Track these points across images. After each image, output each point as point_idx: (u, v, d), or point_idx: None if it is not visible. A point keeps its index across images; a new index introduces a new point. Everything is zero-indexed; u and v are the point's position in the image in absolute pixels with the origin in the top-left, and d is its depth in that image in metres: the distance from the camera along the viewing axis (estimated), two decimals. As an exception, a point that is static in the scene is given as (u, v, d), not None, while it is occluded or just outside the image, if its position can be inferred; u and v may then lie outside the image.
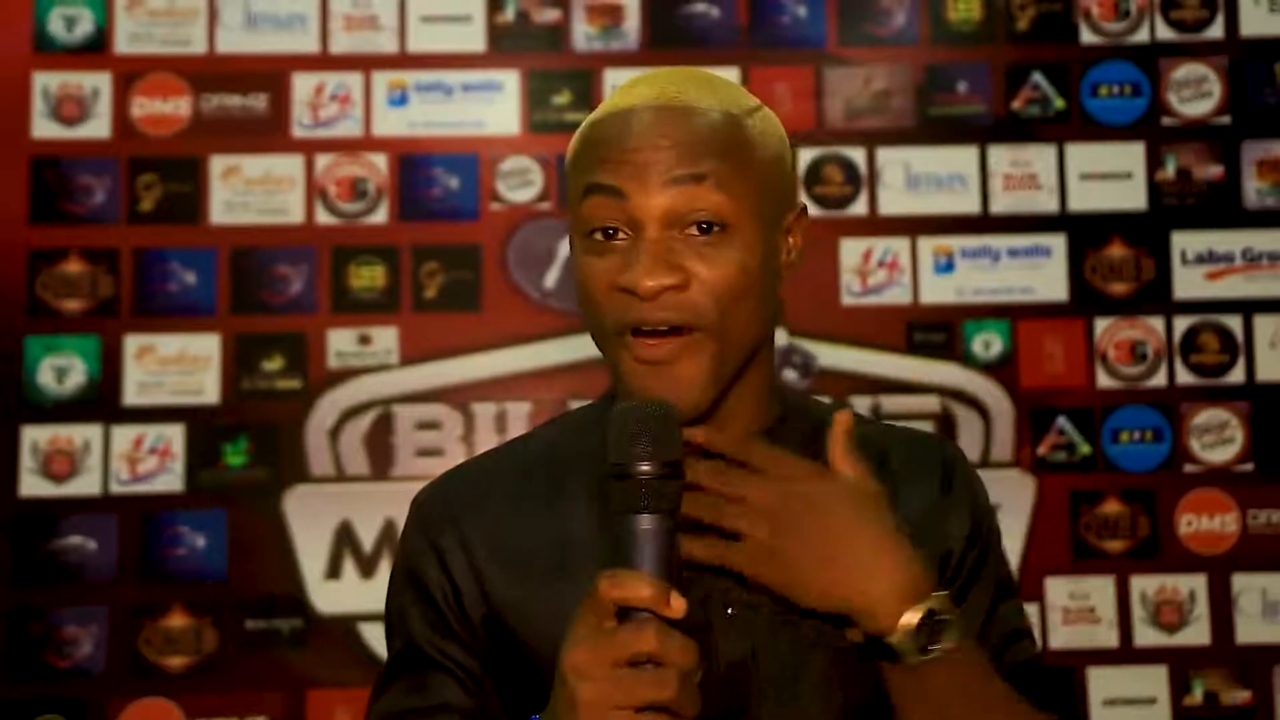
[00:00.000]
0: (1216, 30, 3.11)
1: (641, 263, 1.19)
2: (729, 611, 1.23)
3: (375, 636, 2.90)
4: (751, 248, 1.23)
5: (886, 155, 3.07)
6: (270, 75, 3.03)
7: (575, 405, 2.89)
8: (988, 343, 3.02)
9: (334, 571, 2.92)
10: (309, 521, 2.93)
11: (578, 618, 1.08)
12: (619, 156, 1.22)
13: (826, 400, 1.46)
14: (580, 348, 2.98)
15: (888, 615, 1.15)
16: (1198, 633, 2.96)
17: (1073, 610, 2.92)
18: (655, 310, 1.20)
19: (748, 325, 1.25)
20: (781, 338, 2.86)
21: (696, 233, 1.21)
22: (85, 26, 3.03)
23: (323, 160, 3.02)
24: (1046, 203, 3.06)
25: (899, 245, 3.04)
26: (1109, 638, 2.93)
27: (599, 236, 1.23)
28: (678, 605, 1.05)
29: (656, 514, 1.07)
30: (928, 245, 3.04)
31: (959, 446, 1.42)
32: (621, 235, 1.22)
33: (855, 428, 1.26)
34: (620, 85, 1.32)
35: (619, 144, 1.23)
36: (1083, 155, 3.07)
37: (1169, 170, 3.07)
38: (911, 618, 1.14)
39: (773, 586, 1.17)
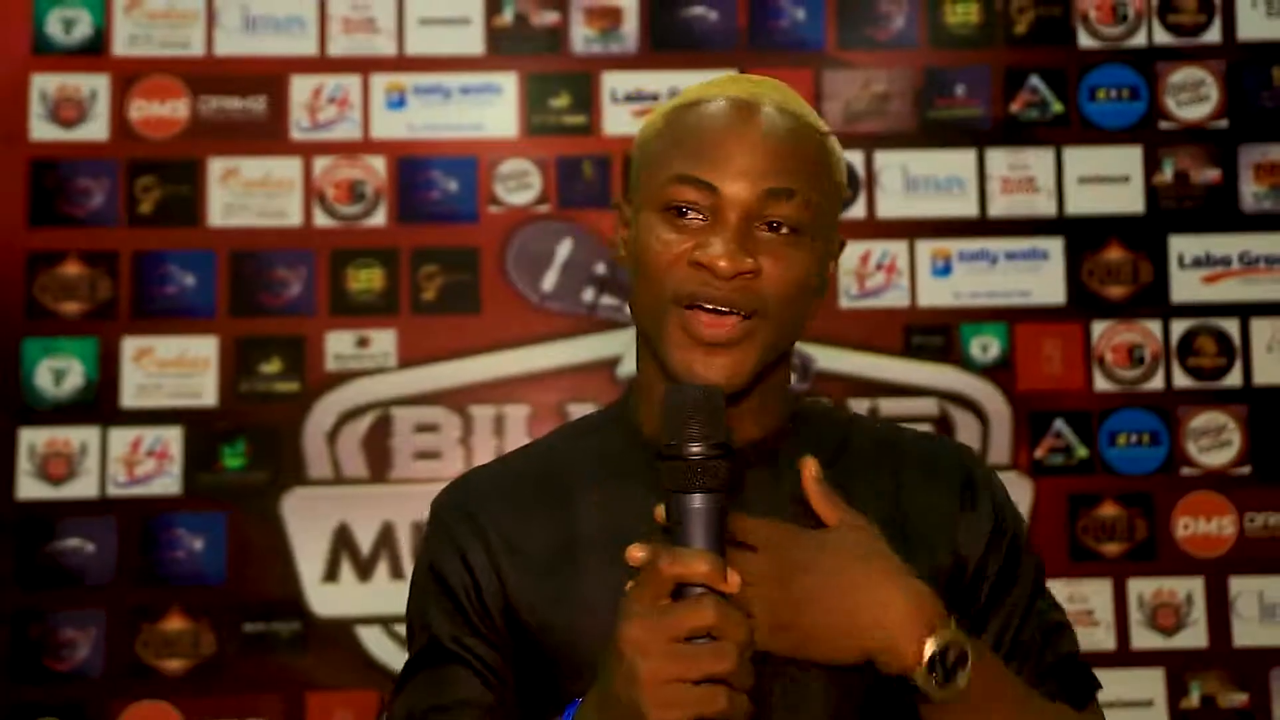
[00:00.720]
0: (1214, 34, 3.12)
1: (724, 244, 1.24)
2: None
3: (373, 639, 2.91)
4: (813, 256, 1.30)
5: (885, 158, 3.07)
6: (269, 78, 3.03)
7: (573, 408, 2.95)
8: (985, 346, 3.03)
9: (332, 574, 2.92)
10: (307, 524, 2.93)
11: (631, 595, 1.10)
12: (714, 152, 1.27)
13: (826, 401, 1.47)
14: (578, 351, 2.98)
15: (907, 651, 1.16)
16: (1195, 635, 2.96)
17: (1070, 613, 2.86)
18: (725, 290, 1.24)
19: (794, 326, 1.31)
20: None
21: (769, 230, 1.27)
22: (84, 28, 3.03)
23: (321, 163, 3.02)
24: (1044, 206, 3.07)
25: (897, 248, 3.04)
26: (1106, 640, 2.94)
27: (675, 212, 1.27)
28: (734, 580, 1.08)
29: (708, 493, 1.10)
30: (926, 248, 3.05)
31: (975, 453, 1.43)
32: (696, 215, 1.27)
33: (869, 429, 1.33)
34: (715, 79, 1.36)
35: (716, 137, 1.28)
36: (1080, 158, 3.07)
37: (1166, 174, 3.08)
38: (930, 649, 1.15)
39: (785, 654, 1.19)
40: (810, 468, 1.24)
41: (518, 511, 1.35)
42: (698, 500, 1.10)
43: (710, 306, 1.25)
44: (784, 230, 1.27)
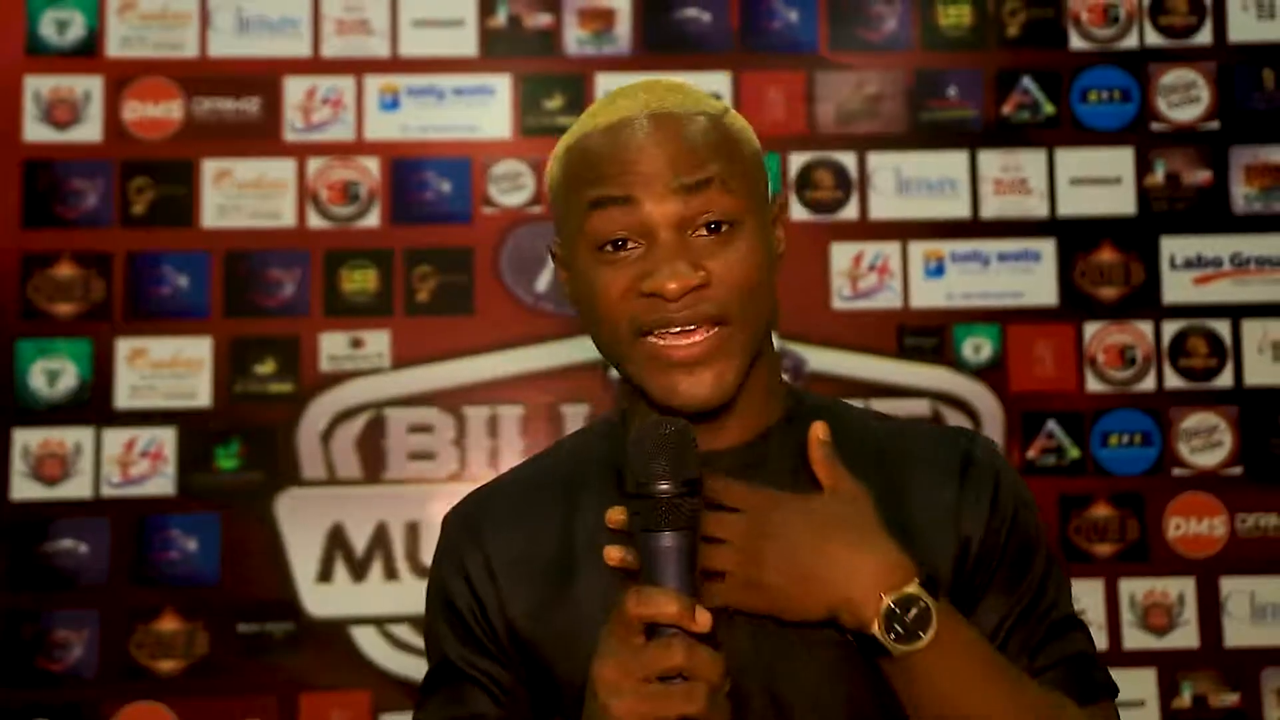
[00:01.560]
0: (1205, 36, 3.13)
1: (663, 266, 1.22)
2: (729, 614, 1.24)
3: (367, 639, 2.91)
4: (755, 240, 1.27)
5: (877, 160, 3.08)
6: (262, 79, 3.03)
7: (566, 409, 2.95)
8: (978, 346, 3.03)
9: (326, 575, 2.92)
10: (301, 524, 2.93)
11: (606, 634, 1.11)
12: (621, 168, 1.24)
13: (825, 397, 1.45)
14: (572, 351, 2.98)
15: (866, 607, 1.17)
16: (1186, 635, 2.97)
17: None
18: (682, 310, 1.23)
19: (761, 316, 1.29)
20: (773, 340, 2.87)
21: (705, 233, 1.25)
22: (77, 30, 3.03)
23: (315, 164, 3.02)
24: (1036, 207, 3.07)
25: (890, 249, 3.05)
26: (1098, 640, 2.92)
27: (609, 249, 1.25)
28: (703, 620, 1.09)
29: (677, 531, 1.11)
30: (918, 249, 3.05)
31: (988, 440, 1.39)
32: (632, 244, 1.25)
33: (869, 425, 1.32)
34: (591, 108, 1.33)
35: (619, 155, 1.25)
36: (1072, 160, 3.09)
37: (1158, 175, 3.09)
38: (887, 600, 1.16)
39: (758, 611, 1.21)
40: (819, 430, 1.25)
41: (523, 526, 1.35)
42: (667, 539, 1.11)
43: (675, 330, 1.23)
44: (721, 229, 1.24)
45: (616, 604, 1.12)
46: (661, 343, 1.24)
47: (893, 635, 1.16)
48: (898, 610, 1.16)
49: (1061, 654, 1.30)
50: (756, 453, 1.32)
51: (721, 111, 1.31)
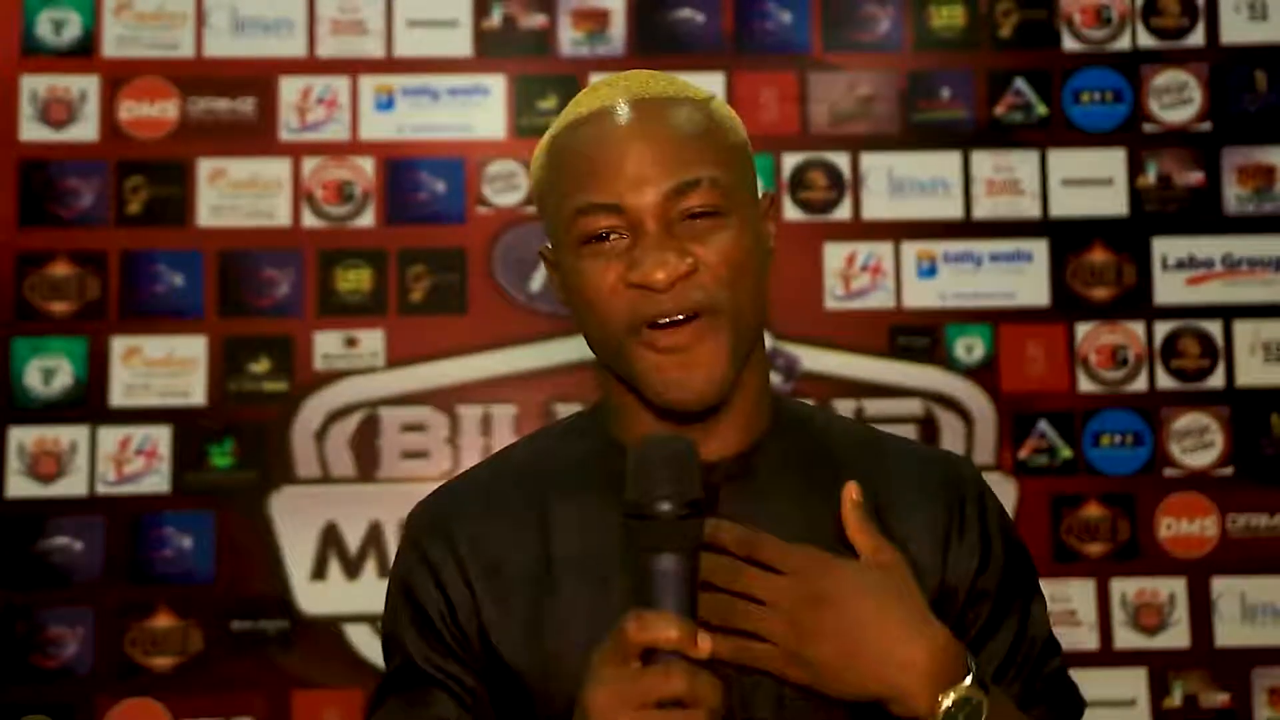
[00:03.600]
0: (1197, 37, 3.14)
1: (650, 256, 1.20)
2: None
3: (361, 637, 2.92)
4: (744, 229, 1.24)
5: (870, 160, 3.09)
6: (257, 79, 3.04)
7: (560, 408, 2.96)
8: (970, 347, 3.04)
9: (320, 573, 2.93)
10: (295, 523, 2.94)
11: (601, 658, 1.07)
12: (607, 172, 1.22)
13: (811, 403, 1.45)
14: (565, 351, 2.99)
15: (922, 701, 1.14)
16: (1177, 635, 2.98)
17: (1053, 613, 2.82)
18: (671, 300, 1.21)
19: (752, 307, 1.26)
20: (765, 341, 2.88)
21: (691, 219, 1.22)
22: (73, 30, 3.04)
23: (310, 164, 3.03)
24: (1029, 208, 3.08)
25: (882, 249, 3.06)
26: (1089, 640, 2.95)
27: (594, 242, 1.23)
28: (704, 646, 1.05)
29: (678, 553, 1.07)
30: (911, 250, 3.06)
31: (967, 464, 1.39)
32: (615, 236, 1.23)
33: (852, 434, 1.32)
34: (575, 98, 1.32)
35: (605, 156, 1.23)
36: (1065, 161, 3.09)
37: (1150, 176, 3.10)
38: (945, 702, 1.14)
39: (804, 685, 1.17)
40: (851, 491, 1.21)
41: (494, 527, 1.31)
42: (667, 560, 1.06)
43: (665, 321, 1.21)
44: (706, 217, 1.22)
45: (604, 623, 1.09)
46: (653, 335, 1.22)
47: None
48: (955, 711, 1.14)
49: (1046, 675, 1.34)
50: (748, 463, 1.30)
51: (705, 99, 1.29)
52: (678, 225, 1.22)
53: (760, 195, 1.33)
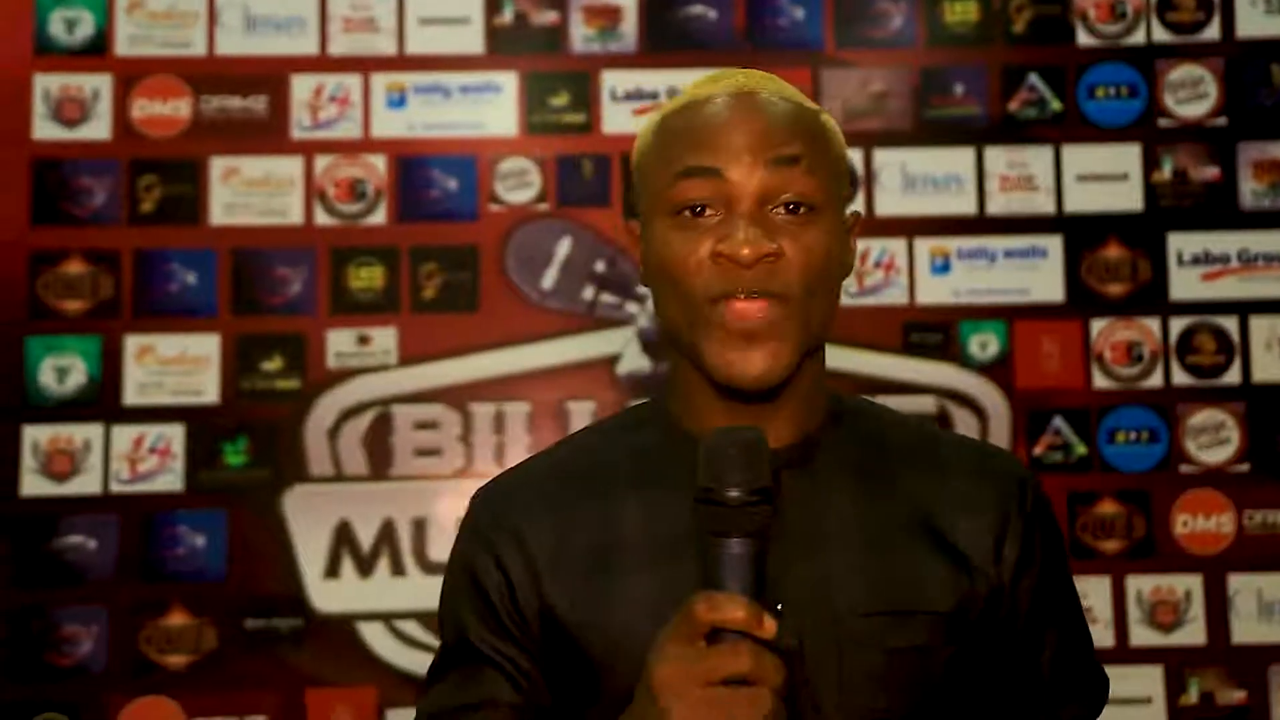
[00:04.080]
0: (1213, 32, 3.12)
1: (742, 231, 1.23)
2: (778, 607, 1.23)
3: (374, 635, 2.92)
4: (831, 233, 1.28)
5: (884, 157, 3.08)
6: (269, 77, 3.05)
7: (572, 405, 2.96)
8: (984, 343, 3.03)
9: (333, 571, 2.94)
10: (308, 521, 2.94)
11: (667, 636, 1.10)
12: (713, 140, 1.26)
13: (875, 400, 1.47)
14: (577, 348, 2.99)
15: None
16: (1193, 633, 2.97)
17: None
18: (753, 276, 1.23)
19: (823, 309, 1.28)
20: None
21: (784, 212, 1.25)
22: (86, 29, 3.04)
23: (322, 162, 3.03)
24: (1043, 204, 3.07)
25: (896, 246, 3.05)
26: (1105, 637, 2.93)
27: (687, 214, 1.26)
28: (769, 626, 1.08)
29: (746, 538, 1.10)
30: (924, 246, 3.05)
31: (1024, 470, 1.40)
32: (710, 212, 1.26)
33: (909, 427, 1.36)
34: (692, 84, 1.36)
35: (711, 127, 1.27)
36: (1079, 156, 3.08)
37: (1165, 171, 3.08)
38: None
39: None
40: None
41: (556, 512, 1.33)
42: (735, 545, 1.10)
43: (742, 295, 1.23)
44: (799, 210, 1.25)
45: (670, 604, 1.11)
46: (727, 311, 1.24)
47: None
48: None
49: (1082, 677, 1.40)
50: (806, 452, 1.32)
51: (819, 109, 1.34)
52: (773, 214, 1.25)
53: (849, 213, 1.36)
